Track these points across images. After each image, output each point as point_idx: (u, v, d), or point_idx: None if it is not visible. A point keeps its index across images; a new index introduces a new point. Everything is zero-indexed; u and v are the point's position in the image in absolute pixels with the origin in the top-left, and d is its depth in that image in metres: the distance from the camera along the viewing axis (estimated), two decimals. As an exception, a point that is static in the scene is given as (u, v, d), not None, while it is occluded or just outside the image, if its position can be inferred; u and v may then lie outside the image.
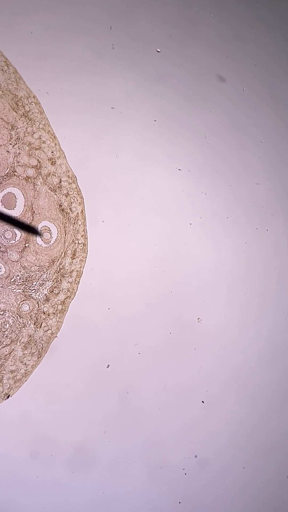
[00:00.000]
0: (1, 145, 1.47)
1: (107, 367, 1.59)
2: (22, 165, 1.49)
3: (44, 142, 1.50)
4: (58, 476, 1.53)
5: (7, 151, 1.47)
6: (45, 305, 1.53)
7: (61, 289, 1.54)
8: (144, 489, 1.59)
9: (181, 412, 1.61)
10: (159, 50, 1.51)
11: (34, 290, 1.52)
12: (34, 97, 1.48)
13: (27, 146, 1.48)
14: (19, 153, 1.48)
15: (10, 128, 1.47)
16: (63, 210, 1.52)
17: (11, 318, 1.51)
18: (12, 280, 1.50)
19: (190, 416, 1.62)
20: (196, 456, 1.62)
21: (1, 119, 1.45)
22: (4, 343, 1.51)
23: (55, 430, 1.54)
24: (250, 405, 1.67)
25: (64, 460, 1.53)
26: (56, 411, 1.55)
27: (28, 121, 1.48)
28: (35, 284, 1.52)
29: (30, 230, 1.46)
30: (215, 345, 1.62)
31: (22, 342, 1.52)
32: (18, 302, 1.51)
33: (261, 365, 1.67)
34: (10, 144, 1.47)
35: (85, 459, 1.55)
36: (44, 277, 1.52)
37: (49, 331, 1.54)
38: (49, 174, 1.51)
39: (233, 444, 1.67)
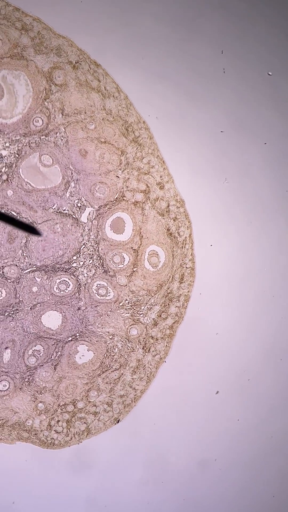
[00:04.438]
0: (111, 171, 1.49)
1: (216, 393, 1.56)
2: (131, 190, 1.50)
3: (153, 167, 1.50)
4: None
5: (116, 176, 1.49)
6: (153, 329, 1.52)
7: (169, 313, 1.53)
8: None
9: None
10: (270, 74, 1.48)
11: (142, 315, 1.52)
12: (144, 122, 1.49)
13: (136, 171, 1.49)
14: (128, 178, 1.49)
15: (120, 153, 1.48)
16: (171, 234, 1.52)
17: (120, 343, 1.52)
18: (121, 304, 1.51)
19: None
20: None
21: (112, 145, 1.48)
22: (113, 367, 1.52)
23: (167, 453, 1.53)
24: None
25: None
26: (166, 436, 1.54)
27: (137, 146, 1.49)
28: (143, 309, 1.52)
29: (30, 230, 1.45)
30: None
31: (131, 367, 1.52)
32: (127, 327, 1.52)
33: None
34: (120, 169, 1.49)
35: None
36: (152, 301, 1.52)
37: (158, 356, 1.53)
38: (158, 198, 1.51)
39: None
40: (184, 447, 1.56)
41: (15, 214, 1.46)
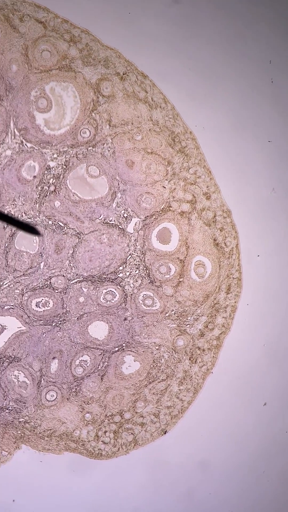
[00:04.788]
0: (157, 181, 1.49)
1: (264, 404, 1.54)
2: (177, 200, 1.50)
3: (199, 177, 1.50)
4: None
5: (163, 186, 1.49)
6: (200, 340, 1.52)
7: (215, 324, 1.52)
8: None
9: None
10: None
11: (188, 325, 1.52)
12: (190, 133, 1.48)
13: (183, 181, 1.49)
14: (175, 189, 1.49)
15: (167, 164, 1.48)
16: (217, 244, 1.51)
17: (166, 353, 1.51)
18: (167, 315, 1.51)
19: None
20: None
21: (158, 155, 1.48)
22: (160, 378, 1.51)
23: (214, 466, 1.52)
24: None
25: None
26: (212, 448, 1.53)
27: (184, 156, 1.49)
28: (190, 319, 1.52)
29: (30, 230, 1.44)
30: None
31: (178, 378, 1.52)
32: (173, 337, 1.51)
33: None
34: (166, 179, 1.49)
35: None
36: (199, 312, 1.52)
37: (204, 367, 1.52)
38: (204, 208, 1.50)
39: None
40: (233, 458, 1.55)
41: (62, 224, 1.47)
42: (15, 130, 1.43)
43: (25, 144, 1.44)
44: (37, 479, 1.52)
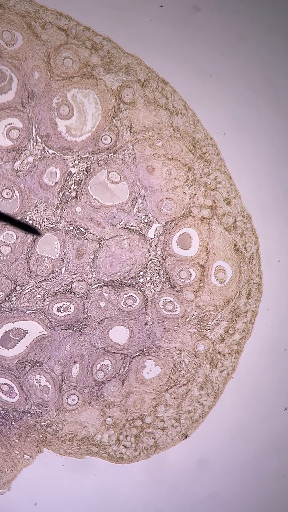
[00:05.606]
0: (177, 187, 1.49)
1: (285, 409, 1.55)
2: (197, 206, 1.50)
3: (219, 182, 1.50)
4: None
5: (183, 192, 1.50)
6: (220, 345, 1.52)
7: (236, 329, 1.53)
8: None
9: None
10: None
11: (209, 330, 1.52)
12: (211, 139, 1.49)
13: (203, 187, 1.50)
14: (195, 194, 1.50)
15: (187, 169, 1.49)
16: (238, 249, 1.52)
17: (187, 358, 1.52)
18: (188, 319, 1.52)
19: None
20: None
21: (179, 161, 1.49)
22: (181, 382, 1.52)
23: (233, 472, 1.53)
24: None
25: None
26: (232, 453, 1.54)
27: (204, 162, 1.49)
28: (210, 324, 1.52)
29: (30, 230, 1.44)
30: None
31: (198, 382, 1.52)
32: (194, 342, 1.52)
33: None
34: (187, 185, 1.50)
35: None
36: (219, 317, 1.52)
37: (225, 372, 1.53)
38: (224, 214, 1.51)
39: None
40: (253, 463, 1.56)
41: (83, 230, 1.48)
42: (37, 136, 1.44)
43: (47, 151, 1.45)
44: (58, 482, 1.53)
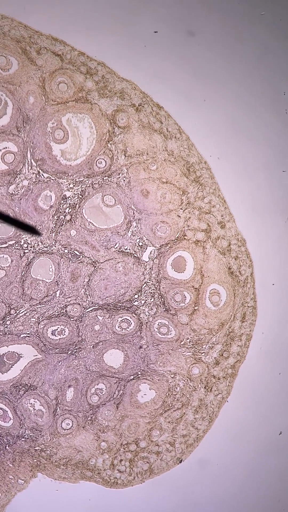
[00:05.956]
0: (172, 210, 1.50)
1: (280, 434, 1.54)
2: (192, 229, 1.51)
3: (214, 206, 1.51)
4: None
5: (178, 215, 1.50)
6: (215, 368, 1.52)
7: (231, 352, 1.53)
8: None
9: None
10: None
11: (204, 353, 1.52)
12: (205, 163, 1.50)
13: (198, 210, 1.50)
14: (190, 218, 1.50)
15: (181, 193, 1.50)
16: (232, 273, 1.52)
17: (181, 382, 1.52)
18: (182, 343, 1.52)
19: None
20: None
21: (173, 184, 1.49)
22: (175, 406, 1.52)
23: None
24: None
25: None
26: (230, 476, 1.53)
27: (199, 186, 1.50)
28: (205, 347, 1.52)
29: (30, 230, 1.44)
30: None
31: (193, 406, 1.52)
32: (188, 365, 1.52)
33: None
34: (181, 208, 1.50)
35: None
36: (214, 340, 1.52)
37: (220, 396, 1.52)
38: (219, 237, 1.51)
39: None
40: (246, 488, 1.55)
41: (77, 253, 1.48)
42: (32, 160, 1.45)
43: (42, 175, 1.46)
44: (52, 507, 1.52)
